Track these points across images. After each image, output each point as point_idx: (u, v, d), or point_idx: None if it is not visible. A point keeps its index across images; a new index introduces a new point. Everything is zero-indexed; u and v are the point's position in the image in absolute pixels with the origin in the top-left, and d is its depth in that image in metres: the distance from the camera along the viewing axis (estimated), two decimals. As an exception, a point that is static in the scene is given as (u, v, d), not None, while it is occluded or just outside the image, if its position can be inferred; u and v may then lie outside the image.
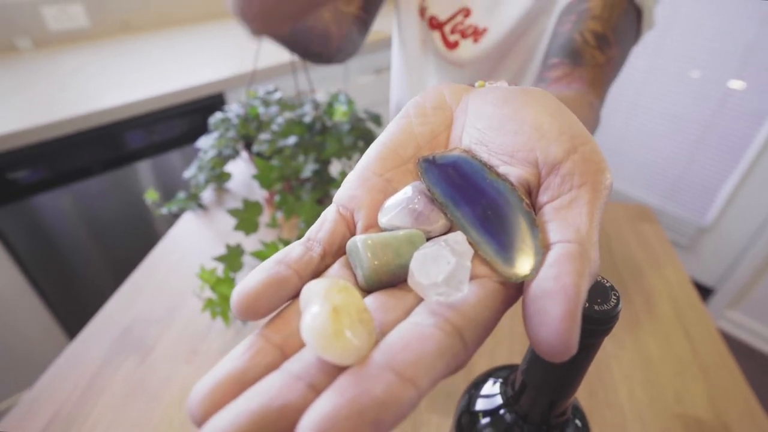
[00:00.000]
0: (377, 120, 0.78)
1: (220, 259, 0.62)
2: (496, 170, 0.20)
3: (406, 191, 0.21)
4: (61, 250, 1.24)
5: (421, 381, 0.14)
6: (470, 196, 0.20)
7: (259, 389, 0.14)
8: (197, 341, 0.60)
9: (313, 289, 0.17)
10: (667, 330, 0.64)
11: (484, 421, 0.30)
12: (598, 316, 0.21)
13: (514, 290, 0.18)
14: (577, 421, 0.29)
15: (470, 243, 0.19)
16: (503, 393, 0.30)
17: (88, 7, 1.51)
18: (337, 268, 0.19)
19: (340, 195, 0.21)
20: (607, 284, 0.23)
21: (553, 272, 0.16)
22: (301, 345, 0.17)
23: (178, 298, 0.67)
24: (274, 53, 1.43)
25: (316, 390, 0.14)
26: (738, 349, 1.77)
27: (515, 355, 0.58)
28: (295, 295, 0.18)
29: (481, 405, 0.31)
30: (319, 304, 0.15)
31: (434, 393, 0.53)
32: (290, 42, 0.56)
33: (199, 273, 0.59)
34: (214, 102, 1.34)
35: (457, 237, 0.18)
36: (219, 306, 0.59)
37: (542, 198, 0.19)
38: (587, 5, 0.52)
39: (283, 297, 0.17)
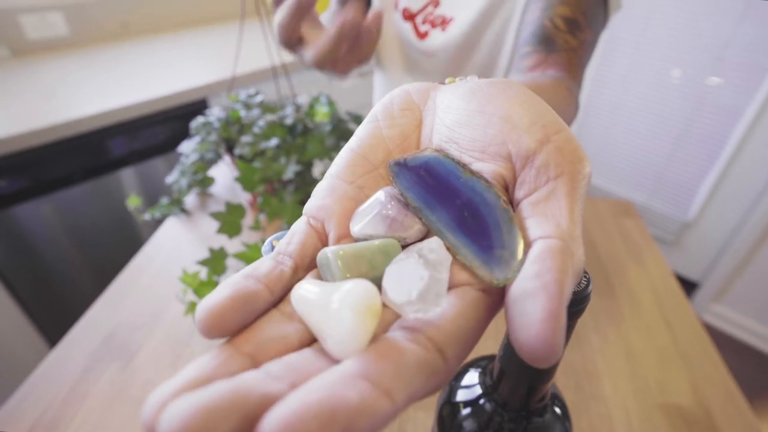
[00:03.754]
0: (359, 120, 0.78)
1: (204, 262, 0.61)
2: (470, 168, 0.19)
3: (378, 197, 0.20)
4: (43, 259, 1.22)
5: (397, 394, 0.13)
6: (445, 197, 0.19)
7: (236, 379, 0.13)
8: (181, 346, 0.60)
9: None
10: (650, 322, 0.65)
11: (465, 411, 0.30)
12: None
13: (498, 296, 0.17)
14: (556, 408, 0.29)
15: (448, 248, 0.18)
16: (482, 383, 0.30)
17: (68, 16, 1.50)
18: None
19: (309, 206, 0.20)
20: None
21: (533, 271, 0.15)
22: (276, 355, 0.16)
23: (161, 303, 0.66)
24: (255, 59, 1.42)
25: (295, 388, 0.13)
26: (723, 342, 1.79)
27: (501, 351, 0.59)
28: (265, 311, 0.17)
29: (461, 396, 0.31)
30: (356, 295, 0.15)
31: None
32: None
33: (182, 277, 0.58)
34: (197, 108, 1.33)
35: (432, 244, 0.17)
36: (202, 310, 0.58)
37: (519, 193, 0.18)
38: None
39: (253, 313, 0.16)
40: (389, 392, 0.13)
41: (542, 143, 0.18)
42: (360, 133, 0.22)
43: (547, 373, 0.26)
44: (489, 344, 0.59)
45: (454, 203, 0.19)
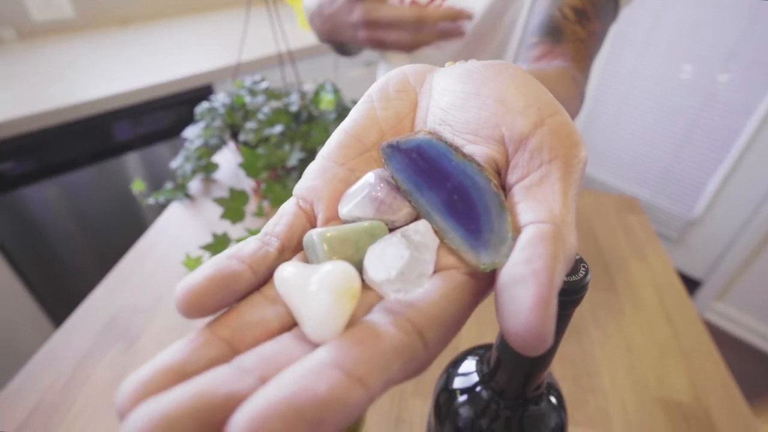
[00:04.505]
0: (364, 109, 0.78)
1: (207, 247, 0.61)
2: (462, 151, 0.19)
3: (368, 178, 0.19)
4: (49, 241, 1.23)
5: (371, 381, 0.13)
6: (435, 180, 0.19)
7: (201, 379, 0.13)
8: (183, 330, 0.60)
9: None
10: (651, 317, 0.65)
11: (462, 398, 0.30)
12: (567, 287, 0.21)
13: (485, 281, 0.17)
14: (552, 398, 0.29)
15: (436, 232, 0.18)
16: (479, 371, 0.30)
17: (74, -3, 1.49)
18: None
19: (299, 187, 0.20)
20: (576, 256, 0.23)
21: (524, 256, 0.14)
22: (254, 341, 0.15)
23: (164, 288, 0.66)
24: (261, 45, 1.42)
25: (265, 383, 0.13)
26: (725, 341, 1.79)
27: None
28: (248, 293, 0.17)
29: (458, 383, 0.31)
30: (334, 276, 0.15)
31: (423, 378, 0.54)
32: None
33: (184, 261, 0.58)
34: (202, 93, 1.33)
35: (419, 226, 0.17)
36: (204, 294, 0.59)
37: (511, 177, 0.18)
38: None
39: (234, 293, 0.16)
40: (363, 380, 0.13)
41: (536, 126, 0.17)
42: (354, 114, 0.22)
43: (543, 361, 0.26)
44: (489, 333, 0.59)
45: (445, 186, 0.18)
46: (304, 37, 1.57)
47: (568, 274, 0.22)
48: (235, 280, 0.16)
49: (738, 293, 1.78)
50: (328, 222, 0.19)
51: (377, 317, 0.15)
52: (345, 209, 0.19)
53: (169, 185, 0.82)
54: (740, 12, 1.51)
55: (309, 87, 0.79)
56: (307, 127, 0.70)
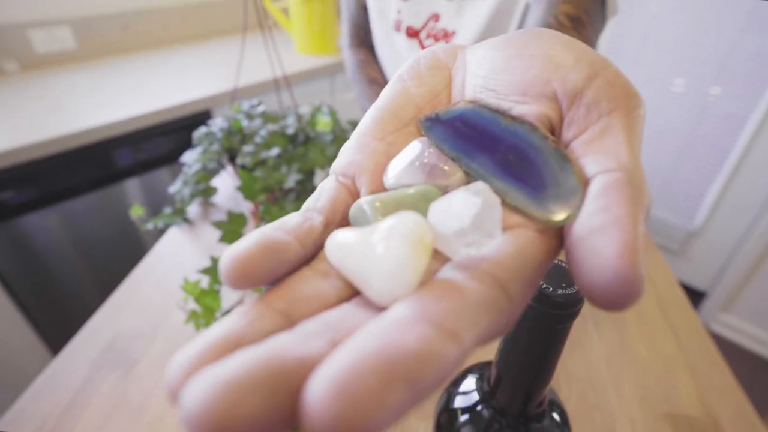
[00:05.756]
0: (360, 130, 0.79)
1: (205, 271, 0.61)
2: (510, 114, 0.17)
3: (414, 147, 0.18)
4: (47, 268, 1.23)
5: (464, 335, 0.11)
6: (486, 145, 0.17)
7: (265, 345, 0.12)
8: (181, 355, 0.60)
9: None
10: (655, 330, 0.64)
11: (463, 418, 0.29)
12: (562, 300, 0.21)
13: (555, 239, 0.15)
14: (555, 414, 0.29)
15: (495, 192, 0.16)
16: (479, 389, 0.29)
17: (75, 29, 1.52)
18: None
19: (337, 164, 0.19)
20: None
21: (599, 205, 0.13)
22: (311, 312, 0.14)
23: (162, 312, 0.66)
24: (258, 71, 1.44)
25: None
26: (733, 352, 1.76)
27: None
28: (296, 266, 0.16)
29: (459, 402, 0.30)
30: (405, 228, 0.13)
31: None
32: None
33: (183, 285, 0.58)
34: (201, 119, 1.35)
35: (479, 185, 0.15)
36: (203, 318, 0.58)
37: (567, 134, 0.16)
38: None
39: (283, 263, 0.15)
40: (455, 334, 0.11)
41: (591, 78, 0.16)
42: (387, 92, 0.20)
43: (544, 376, 0.25)
44: (486, 350, 0.58)
45: (497, 149, 0.17)
46: (301, 61, 1.60)
47: (564, 288, 0.22)
48: (283, 250, 0.15)
49: (743, 303, 1.77)
50: (372, 194, 0.18)
51: (451, 274, 0.14)
52: (392, 178, 0.18)
53: (167, 210, 0.82)
54: (730, 26, 1.53)
55: (305, 110, 0.80)
56: (303, 149, 0.71)
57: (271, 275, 0.14)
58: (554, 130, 0.17)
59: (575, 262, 0.13)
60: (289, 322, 0.13)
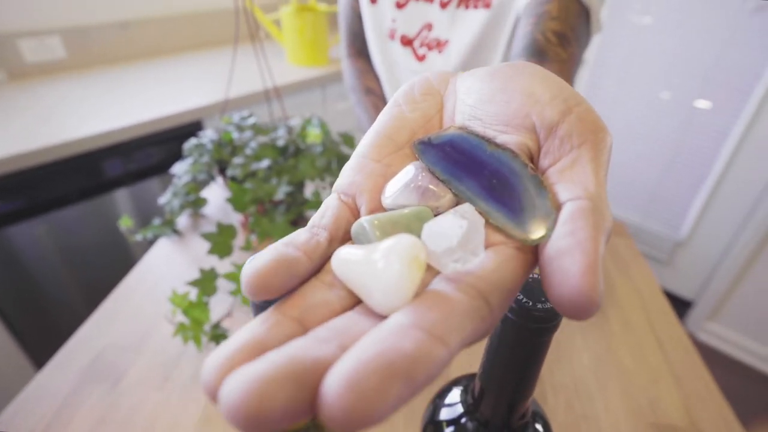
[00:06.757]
0: (350, 141, 0.79)
1: (193, 283, 0.61)
2: (495, 141, 0.20)
3: (408, 170, 0.20)
4: (35, 279, 1.21)
5: (451, 339, 0.13)
6: (472, 169, 0.20)
7: (286, 348, 0.14)
8: (169, 367, 0.59)
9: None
10: (641, 340, 0.65)
11: (448, 430, 0.30)
12: (542, 313, 0.22)
13: (532, 255, 0.17)
14: (538, 426, 0.29)
15: (480, 213, 0.18)
16: (464, 401, 0.30)
17: (66, 39, 1.52)
18: None
19: (339, 183, 0.21)
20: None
21: (567, 229, 0.15)
22: (321, 319, 0.16)
23: (150, 325, 0.65)
24: (248, 82, 1.45)
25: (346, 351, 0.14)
26: (719, 361, 1.78)
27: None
28: (306, 278, 0.18)
29: (444, 414, 0.31)
30: (402, 247, 0.16)
31: (411, 408, 0.53)
32: None
33: (171, 297, 0.58)
34: (191, 129, 1.35)
35: (465, 207, 0.18)
36: (191, 330, 0.58)
37: (544, 162, 0.19)
38: (545, 8, 0.55)
39: (295, 276, 0.17)
40: (443, 339, 0.13)
41: (565, 114, 0.18)
42: (383, 117, 0.23)
43: (526, 388, 0.26)
44: (471, 361, 0.59)
45: (482, 174, 0.19)
46: (292, 72, 1.61)
47: (543, 302, 0.22)
48: (294, 265, 0.17)
49: (729, 312, 1.79)
50: (371, 213, 0.20)
51: (441, 286, 0.16)
52: (389, 198, 0.20)
53: (157, 221, 0.82)
54: (714, 40, 1.57)
55: (296, 122, 0.81)
56: (294, 161, 0.71)
57: (286, 287, 0.17)
58: (533, 158, 0.19)
59: (547, 278, 0.15)
60: (302, 327, 0.16)
